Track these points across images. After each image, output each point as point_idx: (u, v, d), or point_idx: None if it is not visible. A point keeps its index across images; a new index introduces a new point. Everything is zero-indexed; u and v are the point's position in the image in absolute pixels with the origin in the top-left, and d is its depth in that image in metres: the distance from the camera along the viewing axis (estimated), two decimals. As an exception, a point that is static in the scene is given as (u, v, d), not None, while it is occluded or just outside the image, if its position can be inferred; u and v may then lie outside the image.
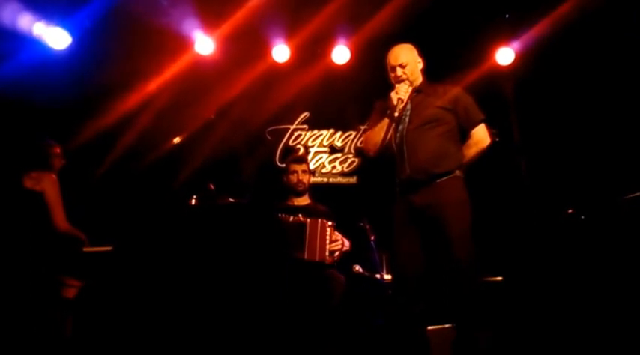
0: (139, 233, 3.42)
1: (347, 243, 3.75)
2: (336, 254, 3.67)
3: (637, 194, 3.50)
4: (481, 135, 3.07)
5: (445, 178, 2.94)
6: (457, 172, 2.99)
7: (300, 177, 3.90)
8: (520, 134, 4.81)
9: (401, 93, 3.00)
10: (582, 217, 3.62)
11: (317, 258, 3.56)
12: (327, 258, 3.60)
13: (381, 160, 3.12)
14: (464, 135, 3.10)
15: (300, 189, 3.91)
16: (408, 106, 3.06)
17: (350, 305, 3.85)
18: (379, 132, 3.03)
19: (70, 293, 3.45)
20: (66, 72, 4.75)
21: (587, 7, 4.38)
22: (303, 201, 3.94)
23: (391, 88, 3.09)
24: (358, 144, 5.29)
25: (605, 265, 3.53)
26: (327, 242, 3.60)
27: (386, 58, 3.17)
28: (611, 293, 3.41)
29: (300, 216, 3.65)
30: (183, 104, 4.96)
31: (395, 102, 2.98)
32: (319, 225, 3.61)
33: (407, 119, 3.04)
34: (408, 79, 3.07)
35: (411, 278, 2.92)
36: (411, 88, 3.06)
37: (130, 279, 3.33)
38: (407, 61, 3.09)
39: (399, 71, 3.09)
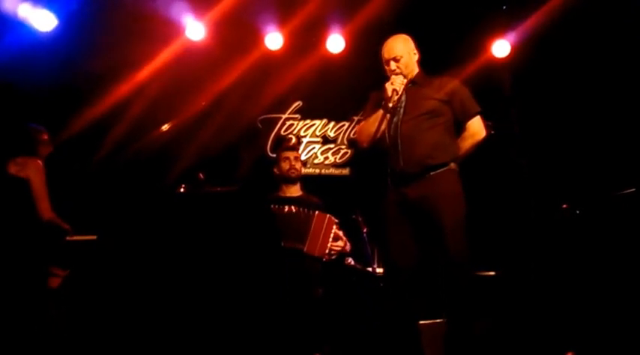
0: (125, 221, 3.35)
1: (348, 246, 3.68)
2: (334, 253, 3.59)
3: (631, 190, 3.50)
4: (477, 128, 3.04)
5: (439, 171, 2.91)
6: (452, 165, 2.95)
7: (293, 163, 3.79)
8: (519, 126, 4.76)
9: (396, 84, 2.94)
10: (577, 212, 3.61)
11: (316, 253, 3.48)
12: (326, 255, 3.53)
13: (375, 151, 3.07)
14: (459, 127, 3.05)
15: (293, 175, 3.79)
16: (403, 98, 3.00)
17: (341, 297, 3.81)
18: (373, 123, 2.99)
19: (54, 282, 3.38)
20: (52, 55, 4.64)
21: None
22: (295, 191, 3.84)
23: (386, 78, 3.03)
24: (351, 135, 5.21)
25: (600, 260, 3.53)
26: (330, 239, 3.53)
27: (381, 50, 3.11)
28: (605, 289, 3.41)
29: (292, 207, 3.59)
30: (174, 91, 4.87)
31: (389, 93, 2.93)
32: (326, 220, 3.53)
33: (402, 111, 2.99)
34: (402, 72, 3.02)
35: (403, 271, 2.89)
36: (406, 80, 3.01)
37: (116, 268, 3.26)
38: (401, 53, 3.04)
39: (393, 65, 3.04)
